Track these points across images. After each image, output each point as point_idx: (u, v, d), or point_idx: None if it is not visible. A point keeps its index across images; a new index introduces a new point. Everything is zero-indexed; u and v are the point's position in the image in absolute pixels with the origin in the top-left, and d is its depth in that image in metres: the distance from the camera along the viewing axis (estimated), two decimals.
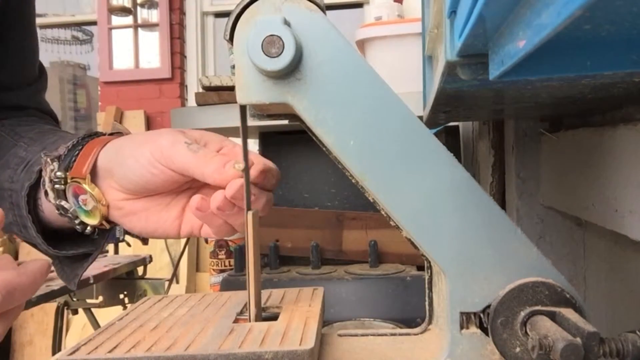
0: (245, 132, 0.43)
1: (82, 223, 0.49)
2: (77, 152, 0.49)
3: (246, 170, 0.43)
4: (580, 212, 0.60)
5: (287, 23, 0.37)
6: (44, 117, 0.68)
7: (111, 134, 0.52)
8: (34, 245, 0.54)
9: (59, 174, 0.48)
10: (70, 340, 2.39)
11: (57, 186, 0.48)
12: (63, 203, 0.48)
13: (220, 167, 0.43)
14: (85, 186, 0.48)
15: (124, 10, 3.16)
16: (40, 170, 0.49)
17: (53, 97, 4.09)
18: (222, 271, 1.25)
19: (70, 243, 0.53)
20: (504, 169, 0.87)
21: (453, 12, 0.29)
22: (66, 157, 0.48)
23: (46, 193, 0.48)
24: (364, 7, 3.07)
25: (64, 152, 0.48)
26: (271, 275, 0.91)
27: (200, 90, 0.97)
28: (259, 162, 0.45)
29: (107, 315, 1.43)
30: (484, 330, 0.39)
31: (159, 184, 0.46)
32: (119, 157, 0.47)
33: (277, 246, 0.96)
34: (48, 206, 0.50)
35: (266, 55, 0.36)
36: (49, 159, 0.48)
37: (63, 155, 0.48)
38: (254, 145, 1.14)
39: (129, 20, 3.28)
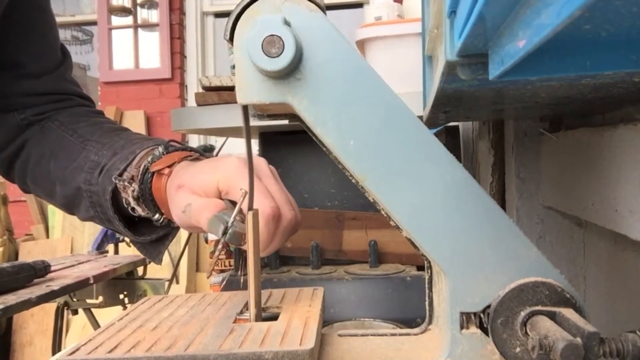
0: (248, 132, 0.43)
1: (160, 218, 0.59)
2: (149, 180, 0.56)
3: (250, 170, 0.43)
4: (580, 212, 0.60)
5: (287, 23, 0.37)
6: (87, 104, 0.75)
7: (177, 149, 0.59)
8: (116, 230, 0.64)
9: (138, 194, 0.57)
10: (70, 340, 2.39)
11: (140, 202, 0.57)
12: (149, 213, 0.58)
13: None
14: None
15: (124, 11, 3.16)
16: (118, 176, 0.58)
17: None
18: (222, 271, 1.24)
19: (149, 227, 0.62)
20: (504, 169, 0.87)
21: (453, 12, 0.29)
22: (143, 182, 0.56)
23: (132, 209, 0.57)
24: (364, 7, 3.06)
25: (138, 175, 0.56)
26: (271, 275, 0.91)
27: (200, 90, 0.97)
28: None
29: (107, 315, 1.43)
30: (484, 330, 0.39)
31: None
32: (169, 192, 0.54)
33: None
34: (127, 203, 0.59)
35: (266, 55, 0.36)
36: (126, 183, 0.56)
37: (137, 178, 0.56)
38: (254, 145, 1.14)
39: (129, 20, 3.28)
